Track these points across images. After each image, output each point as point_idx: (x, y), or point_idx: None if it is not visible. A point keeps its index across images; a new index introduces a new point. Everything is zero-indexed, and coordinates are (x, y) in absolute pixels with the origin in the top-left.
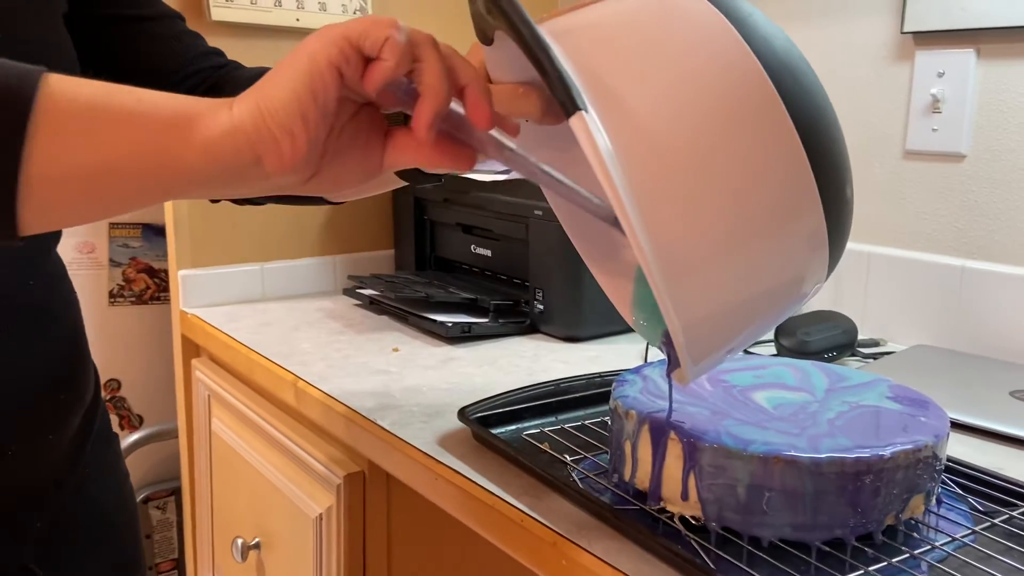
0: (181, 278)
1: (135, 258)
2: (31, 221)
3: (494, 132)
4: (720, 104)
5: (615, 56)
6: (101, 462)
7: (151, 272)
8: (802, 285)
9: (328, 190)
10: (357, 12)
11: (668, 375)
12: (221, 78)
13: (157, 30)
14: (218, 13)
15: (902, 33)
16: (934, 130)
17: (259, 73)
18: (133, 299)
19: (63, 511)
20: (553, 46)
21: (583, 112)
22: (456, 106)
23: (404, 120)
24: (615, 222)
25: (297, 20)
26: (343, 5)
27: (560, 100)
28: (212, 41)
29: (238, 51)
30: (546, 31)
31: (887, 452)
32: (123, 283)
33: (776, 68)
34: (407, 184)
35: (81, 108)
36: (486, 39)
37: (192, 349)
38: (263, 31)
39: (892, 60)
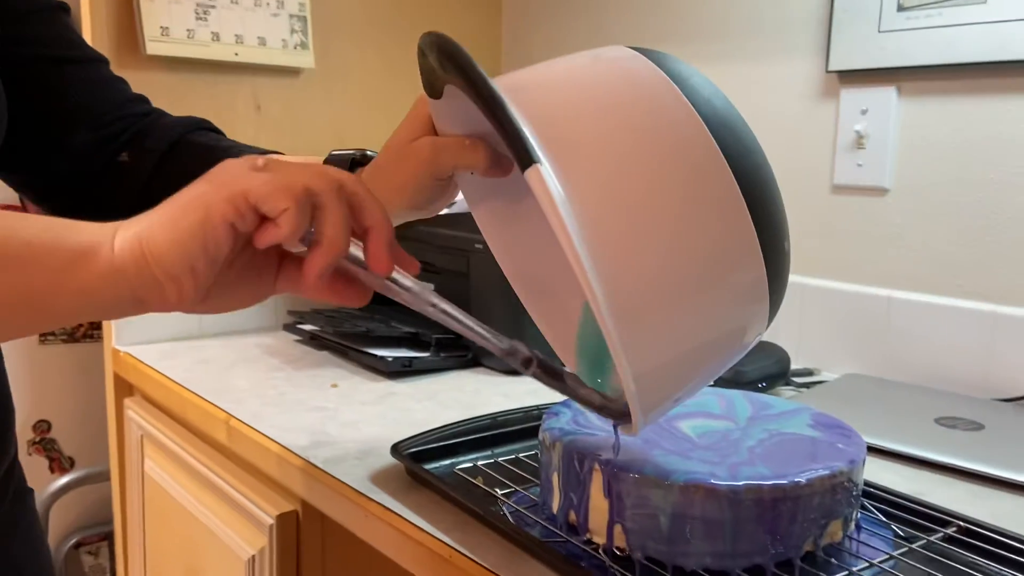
0: None
1: None
2: None
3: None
4: (667, 159)
5: (566, 112)
6: (18, 522)
7: None
8: (745, 334)
9: (217, 311)
10: (297, 47)
11: (616, 428)
12: (147, 125)
13: (84, 74)
14: (153, 47)
15: (827, 72)
16: (859, 165)
17: (185, 122)
18: (65, 337)
19: None
20: (507, 100)
21: (538, 165)
22: (355, 249)
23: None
24: (508, 354)
25: (236, 55)
26: (283, 40)
27: (516, 154)
28: (147, 76)
29: (174, 87)
30: (499, 86)
31: (803, 479)
32: None
33: (717, 126)
34: None
35: None
36: (435, 93)
37: (125, 388)
38: (201, 66)
39: (819, 98)
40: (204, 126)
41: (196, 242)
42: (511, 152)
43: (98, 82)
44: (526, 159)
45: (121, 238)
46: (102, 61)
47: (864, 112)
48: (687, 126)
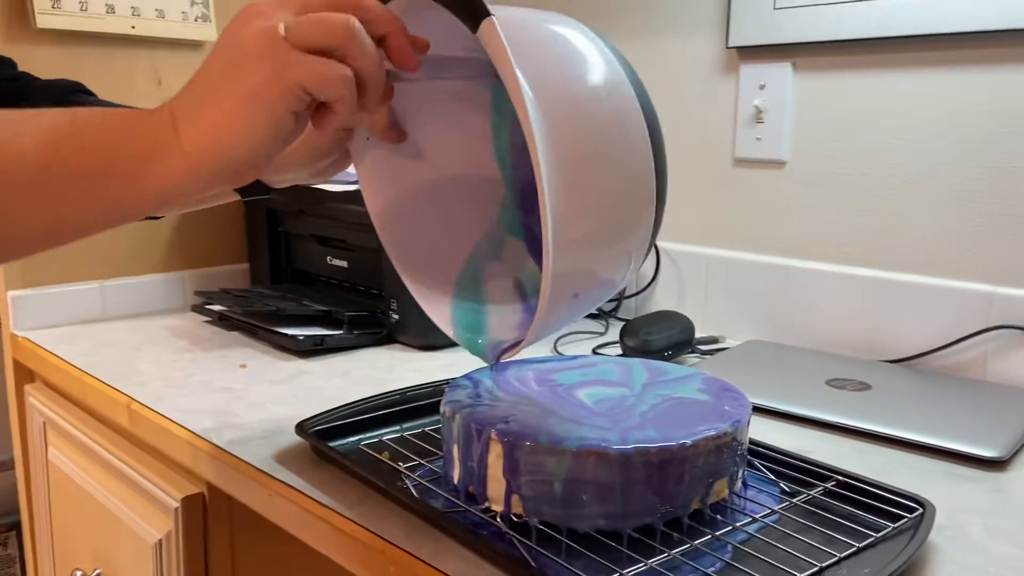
0: (11, 299)
1: None
2: None
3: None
4: (601, 97)
5: (533, 30)
6: None
7: None
8: (636, 247)
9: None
10: (198, 19)
11: (498, 359)
12: (21, 88)
13: None
14: (44, 20)
15: (727, 48)
16: (758, 139)
17: (60, 85)
18: None
19: None
20: None
21: (492, 17)
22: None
23: None
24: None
25: (132, 28)
26: (183, 13)
27: (470, 7)
28: (39, 51)
29: (66, 60)
30: None
31: (689, 440)
32: None
33: (635, 83)
34: (240, 198)
35: (31, 173)
36: None
37: (25, 375)
38: (95, 39)
39: (720, 73)
40: (79, 88)
41: (271, 137)
42: (462, 13)
43: None
44: (482, 10)
45: (188, 138)
46: None
47: (762, 87)
48: (619, 85)
